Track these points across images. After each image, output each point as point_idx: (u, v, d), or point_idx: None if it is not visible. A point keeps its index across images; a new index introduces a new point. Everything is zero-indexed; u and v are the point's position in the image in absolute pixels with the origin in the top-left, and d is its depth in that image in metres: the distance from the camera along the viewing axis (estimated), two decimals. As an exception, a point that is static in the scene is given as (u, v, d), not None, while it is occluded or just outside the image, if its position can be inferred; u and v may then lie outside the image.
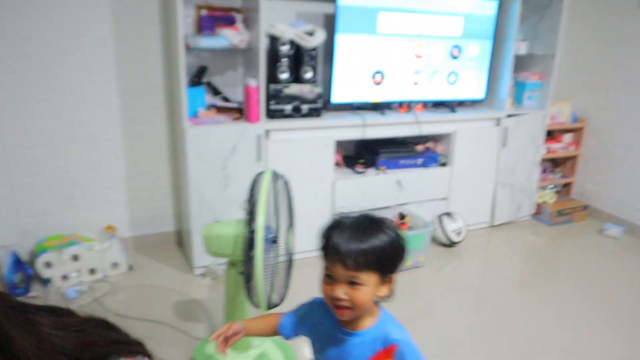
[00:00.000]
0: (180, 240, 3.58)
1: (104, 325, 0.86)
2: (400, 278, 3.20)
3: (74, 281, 3.07)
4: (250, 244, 2.03)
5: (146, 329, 2.65)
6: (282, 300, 2.12)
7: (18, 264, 2.96)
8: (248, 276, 2.05)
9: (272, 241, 2.06)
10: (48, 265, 3.01)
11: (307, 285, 1.79)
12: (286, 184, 2.13)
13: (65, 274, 3.05)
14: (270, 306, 2.08)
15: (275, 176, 2.10)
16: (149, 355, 0.87)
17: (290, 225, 2.15)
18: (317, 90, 3.16)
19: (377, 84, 3.43)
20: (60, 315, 0.81)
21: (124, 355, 0.82)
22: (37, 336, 0.71)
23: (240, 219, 2.13)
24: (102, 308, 2.82)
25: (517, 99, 4.03)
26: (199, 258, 3.14)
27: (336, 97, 3.34)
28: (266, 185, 2.00)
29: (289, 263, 2.14)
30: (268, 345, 2.42)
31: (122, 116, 3.22)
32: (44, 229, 3.20)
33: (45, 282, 3.03)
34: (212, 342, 2.41)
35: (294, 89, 3.10)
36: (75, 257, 3.07)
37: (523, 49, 3.85)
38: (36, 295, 2.93)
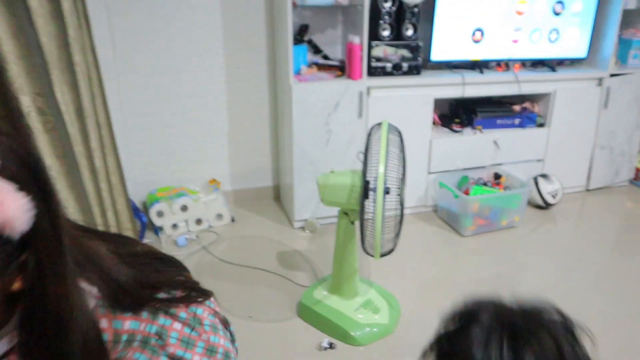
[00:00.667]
0: (278, 194, 3.71)
1: (167, 262, 0.91)
2: (495, 237, 3.22)
3: (182, 230, 3.28)
4: (365, 193, 2.11)
5: (251, 276, 2.81)
6: (393, 249, 2.19)
7: (134, 212, 3.19)
8: (362, 225, 2.13)
9: (385, 192, 2.12)
10: (160, 214, 3.22)
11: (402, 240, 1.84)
12: (400, 136, 2.17)
13: (175, 223, 3.26)
14: (383, 254, 2.16)
15: (390, 128, 2.15)
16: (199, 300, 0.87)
17: (402, 177, 2.20)
18: (401, 52, 3.16)
19: (477, 41, 3.38)
20: (124, 244, 0.88)
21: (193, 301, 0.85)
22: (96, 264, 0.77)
23: (355, 169, 2.21)
24: (209, 255, 3.00)
25: (622, 58, 3.85)
26: (299, 212, 3.26)
27: (436, 55, 3.32)
28: (385, 137, 2.05)
29: (400, 213, 2.20)
30: (373, 293, 2.51)
31: (226, 74, 3.35)
32: (154, 181, 3.41)
33: (157, 230, 3.24)
34: (320, 288, 2.53)
35: (377, 51, 3.11)
36: (184, 208, 3.26)
37: (632, 3, 3.65)
38: (150, 242, 3.15)
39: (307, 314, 2.45)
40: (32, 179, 0.65)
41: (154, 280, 0.83)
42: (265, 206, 3.65)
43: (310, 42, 3.31)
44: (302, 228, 3.31)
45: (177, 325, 0.81)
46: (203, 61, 3.28)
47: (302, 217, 3.29)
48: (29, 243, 0.65)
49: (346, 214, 2.27)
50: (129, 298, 0.78)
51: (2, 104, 0.92)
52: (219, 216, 3.36)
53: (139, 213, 3.22)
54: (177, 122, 3.36)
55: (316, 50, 3.33)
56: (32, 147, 0.69)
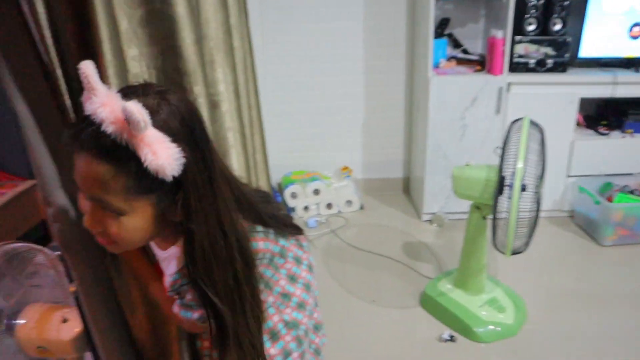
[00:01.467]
0: (407, 186, 3.75)
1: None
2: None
3: (313, 212, 3.45)
4: (499, 189, 2.08)
5: (376, 262, 2.89)
6: (525, 248, 2.15)
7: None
8: (494, 220, 2.11)
9: (522, 189, 2.07)
10: (293, 195, 3.41)
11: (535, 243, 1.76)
12: (542, 132, 2.11)
13: (307, 205, 3.43)
14: (514, 252, 2.12)
15: (532, 124, 2.10)
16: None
17: (541, 174, 2.14)
18: (544, 50, 3.02)
19: (634, 37, 3.14)
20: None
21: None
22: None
23: (491, 164, 2.19)
24: (337, 239, 3.13)
25: None
26: (428, 205, 3.28)
27: (585, 52, 3.14)
28: (525, 131, 2.01)
29: (536, 212, 2.14)
30: (499, 292, 2.47)
31: (364, 65, 3.44)
32: (290, 165, 3.62)
33: (290, 210, 3.44)
34: (445, 280, 2.54)
35: (519, 48, 3.00)
36: (316, 192, 3.42)
37: None
38: (283, 221, 3.35)
39: (430, 304, 2.48)
40: (188, 135, 0.80)
41: (278, 214, 1.05)
42: (394, 197, 3.71)
43: (450, 35, 3.30)
44: (430, 221, 3.32)
45: (293, 247, 1.04)
46: (343, 52, 3.40)
47: (430, 211, 3.30)
48: (182, 187, 0.81)
49: (478, 208, 2.26)
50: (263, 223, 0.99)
51: (178, 79, 1.08)
52: (349, 202, 3.48)
53: (275, 193, 3.44)
54: (315, 110, 3.53)
55: (456, 44, 3.31)
56: (194, 112, 0.84)
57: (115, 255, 1.12)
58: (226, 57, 1.24)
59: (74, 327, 1.30)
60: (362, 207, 3.53)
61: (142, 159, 0.74)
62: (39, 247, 1.47)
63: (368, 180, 3.75)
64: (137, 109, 0.71)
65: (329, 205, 3.46)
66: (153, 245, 1.04)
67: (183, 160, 0.78)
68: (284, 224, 1.04)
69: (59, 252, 1.38)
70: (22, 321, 1.34)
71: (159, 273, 1.09)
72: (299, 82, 3.44)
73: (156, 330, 1.20)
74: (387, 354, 2.22)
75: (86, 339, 1.30)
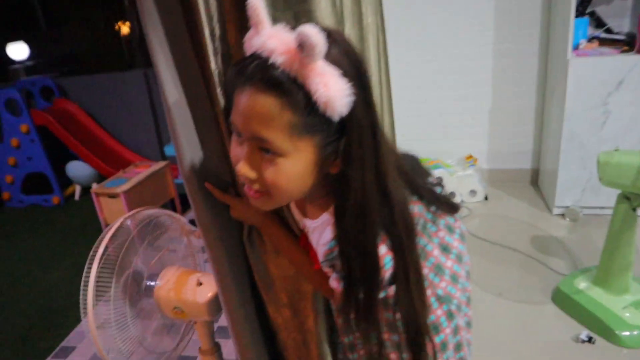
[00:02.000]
0: (536, 178, 3.53)
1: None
2: None
3: (434, 202, 3.35)
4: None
5: (503, 255, 2.74)
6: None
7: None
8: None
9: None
10: (414, 184, 3.34)
11: None
12: None
13: (428, 195, 3.34)
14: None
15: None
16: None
17: None
18: None
19: None
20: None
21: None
22: None
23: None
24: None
25: None
26: (560, 198, 3.05)
27: None
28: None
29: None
30: (647, 294, 2.24)
31: (493, 49, 3.28)
32: (412, 151, 3.54)
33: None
34: (582, 277, 2.35)
35: None
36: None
37: None
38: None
39: (565, 301, 2.30)
40: (356, 74, 0.75)
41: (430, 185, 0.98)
42: (521, 189, 3.50)
43: (592, 14, 3.03)
44: (562, 215, 3.09)
45: (444, 214, 0.97)
46: (472, 37, 3.26)
47: (563, 204, 3.07)
48: (346, 130, 0.76)
49: (627, 198, 2.06)
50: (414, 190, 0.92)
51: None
52: (472, 192, 3.34)
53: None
54: (439, 96, 3.42)
55: (599, 23, 3.04)
56: (358, 53, 0.79)
57: (251, 230, 1.12)
58: (352, 29, 1.20)
59: (209, 290, 1.35)
60: (486, 198, 3.37)
61: (312, 89, 0.70)
62: (175, 214, 1.55)
63: (494, 171, 3.58)
64: (314, 32, 0.67)
65: (452, 194, 3.35)
66: (300, 218, 1.00)
67: (353, 97, 0.73)
68: (437, 198, 0.95)
69: (191, 225, 1.45)
70: (160, 283, 1.41)
71: (304, 247, 1.05)
72: (422, 67, 3.35)
73: (294, 305, 1.19)
74: (519, 351, 2.10)
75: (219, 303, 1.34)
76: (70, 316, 2.76)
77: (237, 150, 0.82)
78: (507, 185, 3.53)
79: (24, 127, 4.15)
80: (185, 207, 3.76)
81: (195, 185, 1.02)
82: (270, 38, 0.71)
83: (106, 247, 1.33)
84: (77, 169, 4.31)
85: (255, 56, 0.74)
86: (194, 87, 0.99)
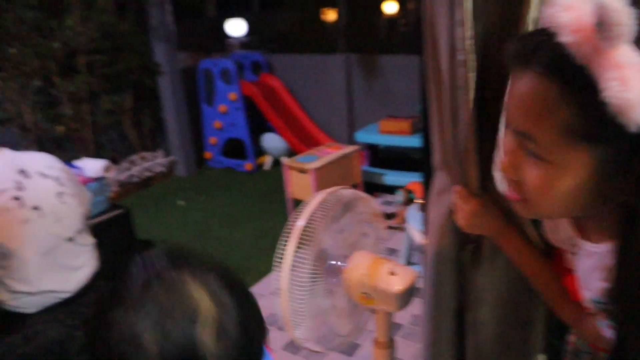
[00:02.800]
0: None
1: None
2: None
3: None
4: None
5: None
6: None
7: None
8: None
9: None
10: None
11: None
12: None
13: None
14: None
15: None
16: None
17: None
18: None
19: None
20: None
21: None
22: None
23: None
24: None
25: None
26: None
27: None
28: None
29: None
30: None
31: None
32: None
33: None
34: None
35: None
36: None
37: None
38: None
39: None
40: None
41: None
42: None
43: None
44: None
45: None
46: None
47: None
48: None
49: None
50: None
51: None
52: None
53: None
54: None
55: None
56: None
57: (480, 240, 1.00)
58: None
59: (402, 282, 1.30)
60: None
61: (603, 85, 0.54)
62: (370, 198, 1.51)
63: None
64: (618, 6, 0.52)
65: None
66: (572, 235, 0.80)
67: None
68: None
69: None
70: (351, 265, 1.39)
71: (559, 270, 0.86)
72: None
73: (503, 333, 1.06)
74: None
75: (409, 296, 1.29)
76: (249, 276, 2.93)
77: (506, 141, 0.69)
78: None
79: (232, 96, 4.52)
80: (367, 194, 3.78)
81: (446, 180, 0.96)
82: (565, 9, 0.56)
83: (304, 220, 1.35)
84: (272, 141, 4.59)
85: (541, 32, 0.60)
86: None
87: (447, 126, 0.94)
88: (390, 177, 3.79)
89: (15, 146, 3.79)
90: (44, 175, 1.98)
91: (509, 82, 0.66)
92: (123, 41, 4.14)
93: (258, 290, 2.78)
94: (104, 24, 3.92)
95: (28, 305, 1.97)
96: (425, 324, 1.06)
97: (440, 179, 1.03)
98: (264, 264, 3.04)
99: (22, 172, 1.92)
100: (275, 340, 2.36)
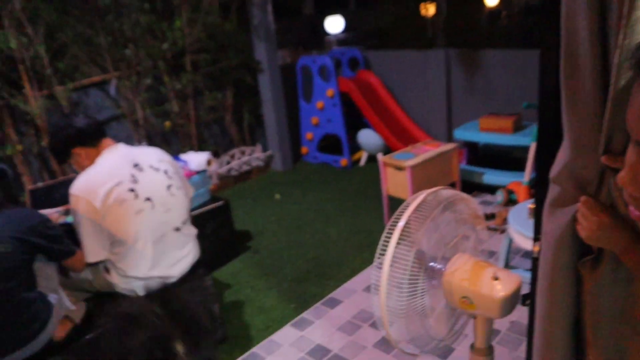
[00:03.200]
0: None
1: None
2: None
3: None
4: None
5: None
6: None
7: None
8: None
9: None
10: None
11: None
12: None
13: None
14: None
15: None
16: None
17: None
18: None
19: None
20: None
21: None
22: None
23: None
24: None
25: None
26: None
27: None
28: None
29: None
30: None
31: None
32: None
33: None
34: None
35: None
36: None
37: None
38: None
39: None
40: None
41: None
42: None
43: None
44: None
45: None
46: None
47: None
48: None
49: None
50: None
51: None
52: None
53: None
54: None
55: None
56: None
57: (601, 252, 0.93)
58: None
59: (506, 288, 1.24)
60: None
61: None
62: (471, 200, 1.45)
63: None
64: None
65: None
66: None
67: None
68: None
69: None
70: (451, 268, 1.35)
71: None
72: None
73: (622, 350, 0.98)
74: None
75: (513, 303, 1.23)
76: (342, 272, 2.95)
77: (629, 155, 0.65)
78: None
79: (329, 92, 4.55)
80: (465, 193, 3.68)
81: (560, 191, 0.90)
82: None
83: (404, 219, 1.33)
84: (368, 137, 4.58)
85: None
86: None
87: (587, 131, 0.86)
88: (490, 177, 3.65)
89: (129, 140, 4.07)
90: (155, 169, 2.11)
91: (632, 91, 0.62)
92: (226, 40, 4.31)
93: (351, 286, 2.79)
94: (209, 24, 4.10)
95: (137, 289, 2.11)
96: (538, 338, 1.00)
97: (560, 186, 0.96)
98: (358, 261, 3.05)
99: (136, 165, 2.05)
100: (367, 337, 2.36)
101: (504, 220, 3.12)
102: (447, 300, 1.37)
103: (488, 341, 1.42)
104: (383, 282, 1.27)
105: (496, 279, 1.27)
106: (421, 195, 1.33)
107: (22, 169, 3.47)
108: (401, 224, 1.27)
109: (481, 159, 3.95)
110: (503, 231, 3.10)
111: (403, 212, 1.31)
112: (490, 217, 3.30)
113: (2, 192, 1.79)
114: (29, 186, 3.10)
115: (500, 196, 3.48)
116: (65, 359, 1.84)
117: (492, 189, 3.67)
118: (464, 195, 1.46)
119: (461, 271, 1.33)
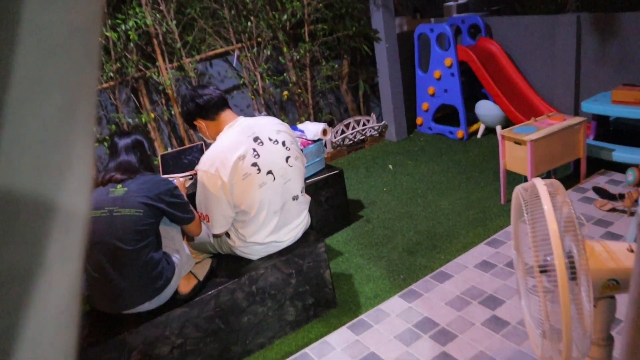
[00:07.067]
0: None
1: None
2: None
3: None
4: None
5: None
6: None
7: None
8: None
9: None
10: None
11: None
12: None
13: None
14: None
15: None
16: None
17: None
18: None
19: None
20: None
21: None
22: None
23: None
24: None
25: None
26: None
27: None
28: None
29: None
30: None
31: None
32: None
33: None
34: None
35: None
36: None
37: None
38: None
39: None
40: None
41: None
42: None
43: None
44: None
45: None
46: None
47: None
48: None
49: None
50: None
51: None
52: None
53: None
54: None
55: None
56: None
57: None
58: None
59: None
60: None
61: None
62: (560, 185, 1.35)
63: None
64: None
65: None
66: None
67: None
68: None
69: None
70: (580, 260, 1.28)
71: None
72: None
73: None
74: None
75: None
76: (453, 246, 2.91)
77: None
78: None
79: (448, 61, 4.42)
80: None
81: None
82: None
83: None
84: (486, 109, 4.39)
85: None
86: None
87: None
88: (621, 154, 3.37)
89: (249, 109, 4.26)
90: (274, 142, 2.22)
91: None
92: (344, 9, 4.31)
93: (462, 261, 2.74)
94: (328, -6, 4.13)
95: (254, 253, 2.25)
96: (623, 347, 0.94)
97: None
98: (470, 235, 2.98)
99: (257, 139, 2.17)
100: (476, 314, 2.33)
101: (635, 202, 2.89)
102: (587, 293, 1.30)
103: (608, 331, 1.36)
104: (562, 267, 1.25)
105: (631, 250, 1.22)
106: (547, 200, 1.24)
107: (154, 134, 3.77)
108: (553, 227, 1.23)
109: (612, 135, 3.65)
110: (632, 213, 2.87)
111: (546, 215, 1.25)
112: (618, 197, 3.07)
113: (139, 160, 1.98)
114: (160, 152, 3.38)
115: (631, 175, 3.21)
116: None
117: (622, 167, 3.39)
118: (556, 183, 1.35)
119: (595, 257, 1.27)
